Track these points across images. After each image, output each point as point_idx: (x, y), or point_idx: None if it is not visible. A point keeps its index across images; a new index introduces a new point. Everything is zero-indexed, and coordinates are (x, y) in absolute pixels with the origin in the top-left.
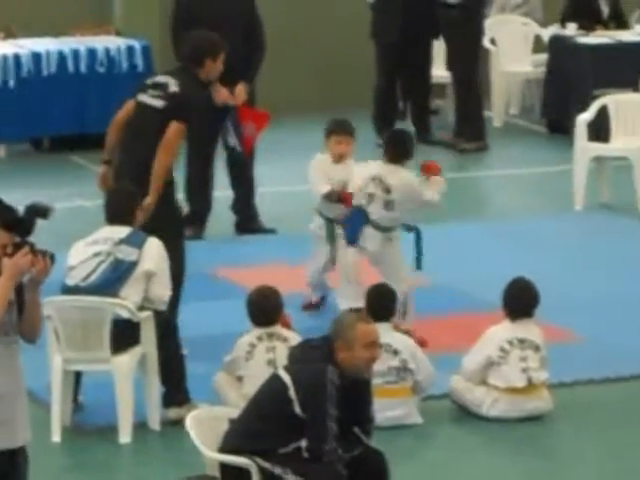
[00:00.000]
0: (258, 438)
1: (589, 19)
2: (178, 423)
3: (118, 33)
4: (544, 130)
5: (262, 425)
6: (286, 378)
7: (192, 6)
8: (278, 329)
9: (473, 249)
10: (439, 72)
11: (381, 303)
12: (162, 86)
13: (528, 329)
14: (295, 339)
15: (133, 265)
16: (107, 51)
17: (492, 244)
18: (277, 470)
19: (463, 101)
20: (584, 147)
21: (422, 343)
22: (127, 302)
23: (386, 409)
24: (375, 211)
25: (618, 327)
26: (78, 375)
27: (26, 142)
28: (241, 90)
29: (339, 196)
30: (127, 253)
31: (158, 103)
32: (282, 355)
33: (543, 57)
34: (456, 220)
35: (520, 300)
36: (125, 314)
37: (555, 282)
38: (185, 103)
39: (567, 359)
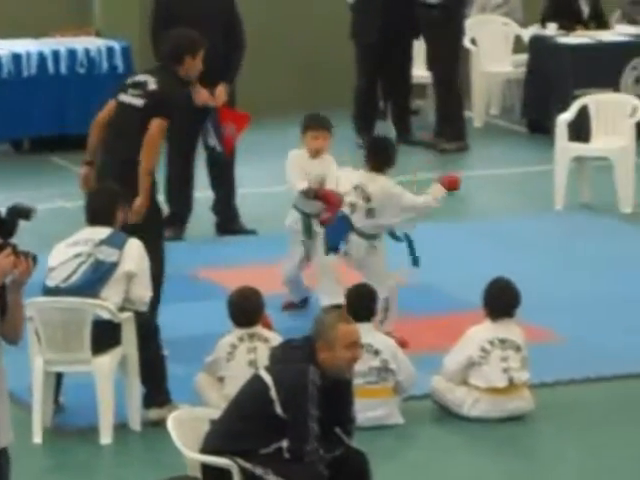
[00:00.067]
0: (239, 439)
1: (569, 19)
2: (159, 424)
3: (98, 34)
4: (524, 130)
5: (243, 426)
6: (267, 379)
7: (172, 5)
8: (259, 330)
9: (454, 249)
10: (419, 72)
11: (362, 303)
12: (141, 85)
13: (509, 329)
14: (276, 340)
15: (114, 266)
16: (87, 52)
17: (473, 244)
18: (258, 471)
19: (443, 101)
20: (564, 147)
21: (403, 343)
22: (108, 303)
23: (367, 409)
24: (358, 220)
25: (599, 327)
26: (59, 376)
27: (6, 143)
28: (221, 91)
29: (316, 193)
30: (108, 254)
31: (138, 102)
32: (263, 356)
33: (523, 57)
34: (436, 220)
35: (501, 300)
36: (106, 315)
37: (536, 282)
38: (164, 100)
39: (548, 359)
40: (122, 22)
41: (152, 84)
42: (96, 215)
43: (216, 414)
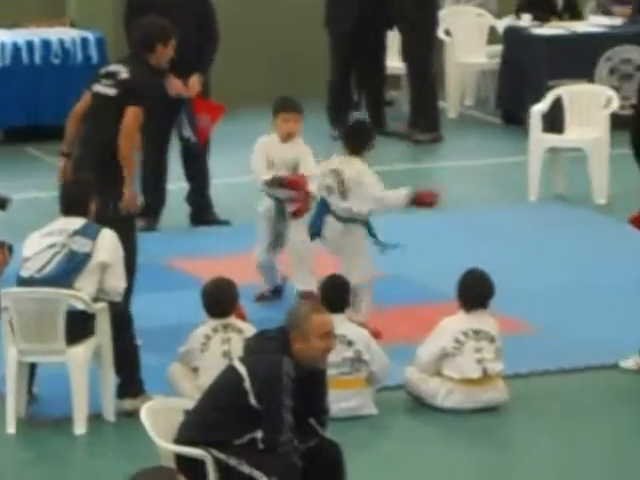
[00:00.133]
0: (213, 429)
1: (544, 10)
2: (133, 414)
3: (73, 25)
4: (499, 121)
5: (217, 416)
6: (241, 369)
7: None
8: (233, 320)
9: (428, 240)
10: (394, 63)
11: (336, 294)
12: (114, 74)
13: (483, 320)
14: (250, 331)
15: (87, 256)
16: (61, 43)
17: (447, 235)
18: (232, 461)
19: (418, 92)
20: (539, 138)
21: (376, 334)
22: (82, 293)
23: (341, 400)
24: (334, 202)
25: (573, 318)
26: (33, 366)
27: None
28: (195, 82)
29: (280, 181)
30: (81, 244)
31: (111, 92)
32: (237, 346)
33: (498, 48)
34: (410, 211)
35: (475, 291)
36: (80, 305)
37: (510, 273)
38: (137, 88)
39: (522, 350)
40: (96, 13)
41: (124, 73)
42: (70, 206)
43: (190, 405)
